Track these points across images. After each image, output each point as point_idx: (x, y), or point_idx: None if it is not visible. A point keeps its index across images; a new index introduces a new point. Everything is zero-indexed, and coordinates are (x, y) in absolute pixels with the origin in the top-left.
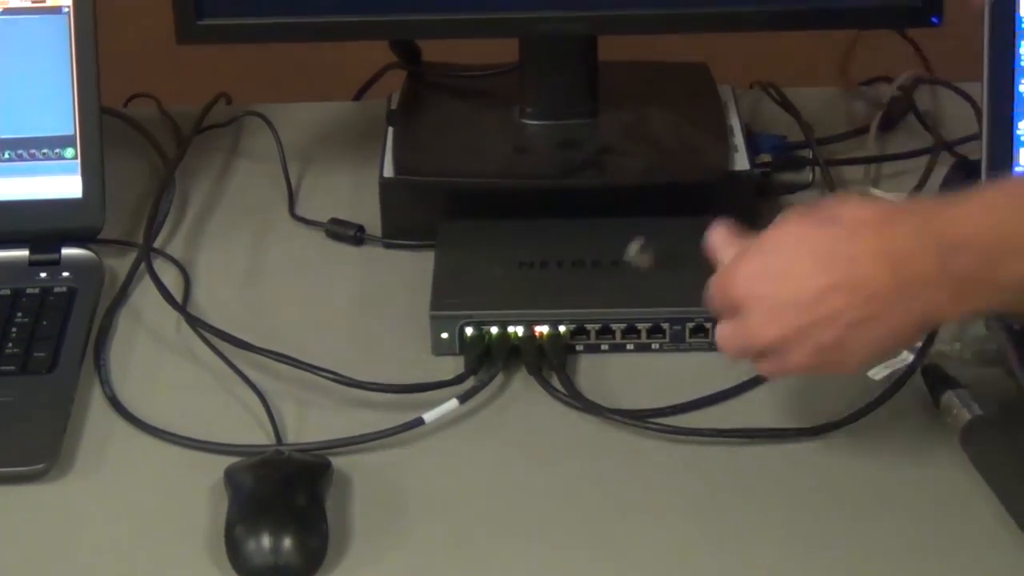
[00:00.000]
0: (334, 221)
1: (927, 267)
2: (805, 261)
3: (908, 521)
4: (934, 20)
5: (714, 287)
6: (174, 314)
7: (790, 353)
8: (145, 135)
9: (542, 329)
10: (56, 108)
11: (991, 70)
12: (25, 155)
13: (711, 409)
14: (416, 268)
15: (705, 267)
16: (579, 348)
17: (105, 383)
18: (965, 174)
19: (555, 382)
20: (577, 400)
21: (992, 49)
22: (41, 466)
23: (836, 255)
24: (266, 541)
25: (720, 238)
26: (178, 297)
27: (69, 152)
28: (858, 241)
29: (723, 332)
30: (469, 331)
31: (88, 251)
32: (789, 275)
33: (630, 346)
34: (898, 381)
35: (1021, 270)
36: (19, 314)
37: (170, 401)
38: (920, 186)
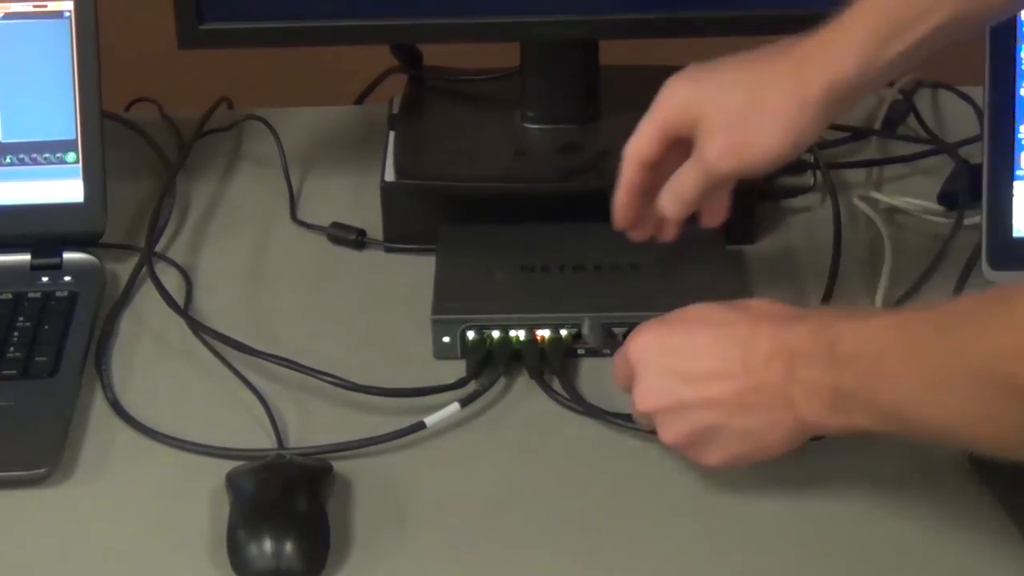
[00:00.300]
0: (335, 225)
1: (815, 372)
2: (702, 338)
3: (914, 529)
4: None
5: (619, 352)
6: (176, 318)
7: (664, 426)
8: (147, 139)
9: (543, 333)
10: (58, 112)
11: (992, 73)
12: (27, 159)
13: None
14: (417, 272)
15: (705, 270)
16: (580, 352)
17: (107, 387)
18: (966, 177)
19: (556, 386)
20: (579, 404)
21: (993, 52)
22: (43, 470)
23: (735, 339)
24: (268, 545)
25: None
26: (180, 301)
27: (71, 156)
28: (758, 331)
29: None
30: (471, 335)
31: (90, 255)
32: (684, 349)
33: None
34: None
35: (896, 398)
36: (21, 318)
37: (172, 405)
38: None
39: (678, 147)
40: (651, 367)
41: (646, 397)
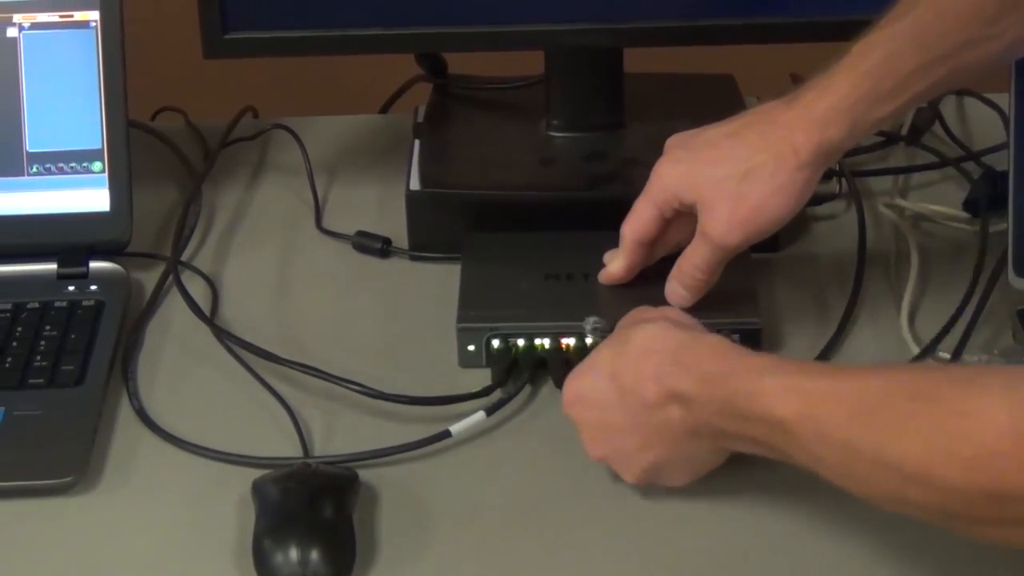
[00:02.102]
0: (361, 234)
1: (707, 414)
2: (605, 390)
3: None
4: None
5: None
6: (202, 327)
7: (620, 470)
8: (172, 148)
9: (569, 341)
10: (84, 122)
11: (1018, 80)
12: (53, 169)
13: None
14: (442, 280)
15: (727, 278)
16: None
17: (133, 396)
18: (992, 184)
19: None
20: None
21: (1019, 59)
22: (69, 479)
23: (627, 392)
24: (294, 554)
25: None
26: (206, 310)
27: (97, 166)
28: (641, 380)
29: None
30: (496, 343)
31: (116, 264)
32: (597, 402)
33: None
34: None
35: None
36: (47, 327)
37: (198, 414)
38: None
39: (674, 220)
40: (581, 422)
41: (591, 448)
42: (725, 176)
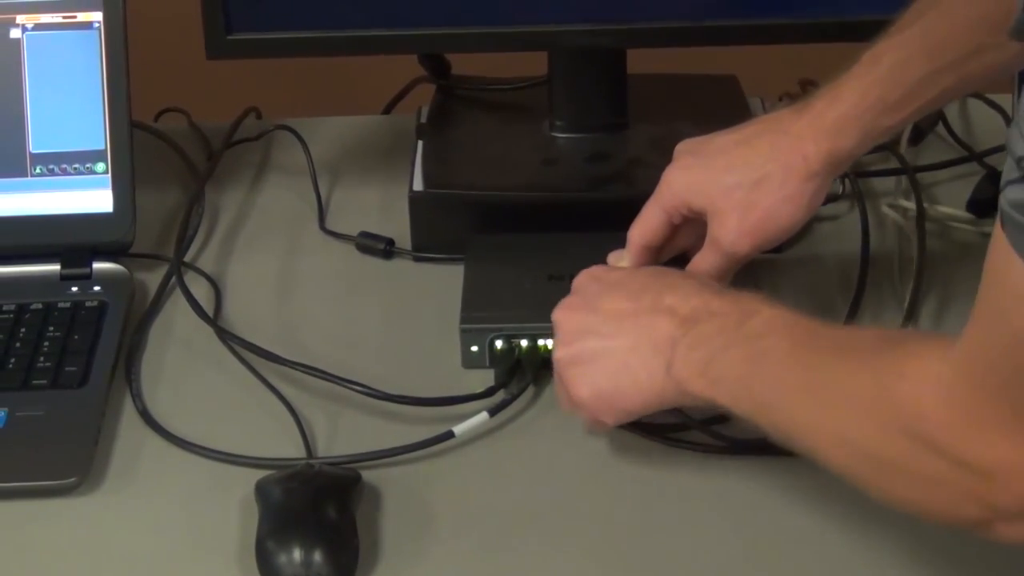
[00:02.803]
0: (364, 235)
1: (710, 333)
2: (638, 277)
3: (934, 532)
4: None
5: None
6: (205, 328)
7: (561, 342)
8: (176, 149)
9: None
10: (87, 123)
11: (1021, 81)
12: (56, 170)
13: (742, 422)
14: (446, 281)
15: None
16: None
17: (136, 397)
18: (994, 185)
19: None
20: None
21: None
22: (72, 480)
23: (656, 277)
24: (297, 554)
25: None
26: (209, 311)
27: (100, 166)
28: (683, 281)
29: None
30: (499, 344)
31: (119, 265)
32: (617, 286)
33: None
34: None
35: (771, 397)
36: (50, 328)
37: (201, 415)
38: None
39: (682, 226)
40: (582, 288)
41: (567, 313)
42: (735, 184)
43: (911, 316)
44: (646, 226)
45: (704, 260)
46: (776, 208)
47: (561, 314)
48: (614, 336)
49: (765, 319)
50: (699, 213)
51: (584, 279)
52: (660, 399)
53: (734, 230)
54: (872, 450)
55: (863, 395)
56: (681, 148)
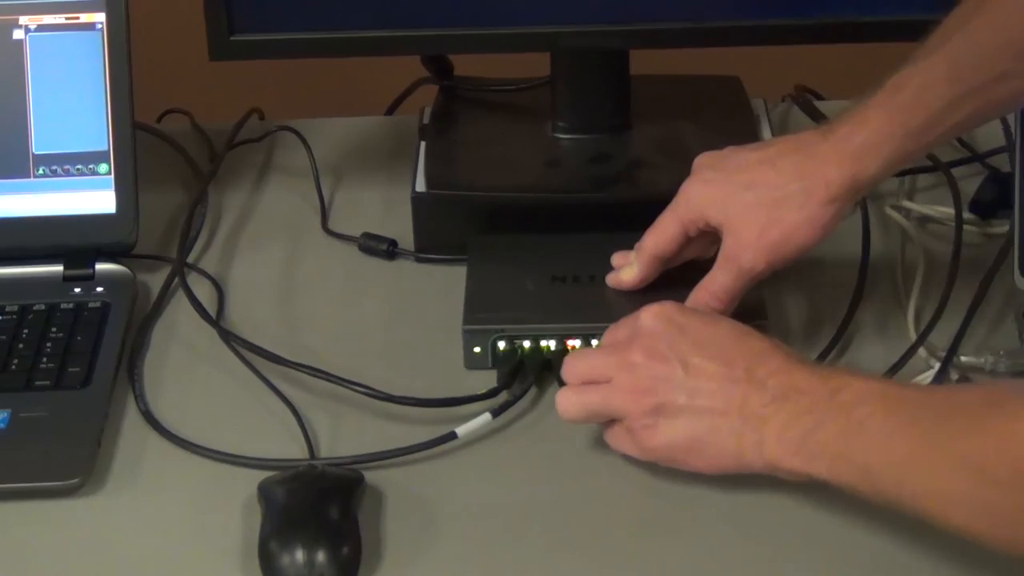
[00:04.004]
0: (367, 235)
1: (803, 408)
2: (724, 329)
3: (941, 535)
4: None
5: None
6: (208, 329)
7: (631, 377)
8: (178, 150)
9: (575, 343)
10: (90, 124)
11: None
12: (59, 171)
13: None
14: (448, 282)
15: None
16: None
17: (139, 398)
18: (997, 186)
19: None
20: None
21: None
22: (75, 481)
23: (750, 346)
24: (299, 555)
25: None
26: (211, 312)
27: (103, 168)
28: (773, 351)
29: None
30: (502, 345)
31: (122, 266)
32: (702, 334)
33: None
34: None
35: (876, 460)
36: (53, 329)
37: (204, 415)
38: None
39: (695, 239)
40: (662, 334)
41: (648, 359)
42: (756, 202)
43: (917, 320)
44: (661, 237)
45: (718, 277)
46: (795, 228)
47: (639, 356)
48: (704, 397)
49: (856, 392)
50: (715, 228)
51: (657, 322)
52: (744, 469)
53: (751, 246)
54: (993, 504)
55: (977, 456)
56: (701, 162)
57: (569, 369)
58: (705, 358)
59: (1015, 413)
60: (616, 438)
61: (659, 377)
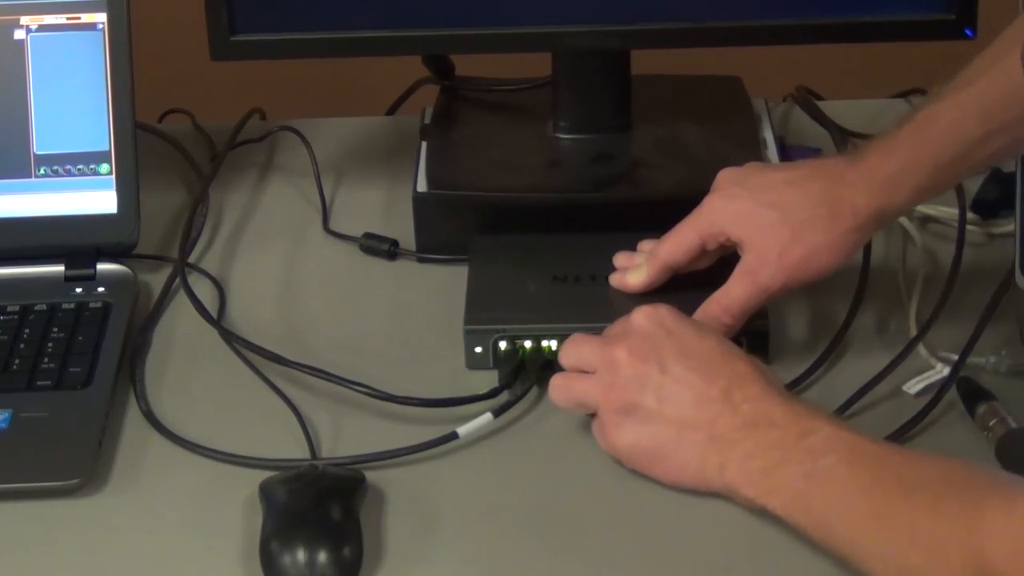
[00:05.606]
0: (368, 235)
1: (772, 442)
2: (709, 343)
3: None
4: (967, 33)
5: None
6: (209, 329)
7: (610, 376)
8: (180, 150)
9: None
10: (91, 124)
11: None
12: (60, 171)
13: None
14: (450, 282)
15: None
16: None
17: (140, 398)
18: (999, 186)
19: None
20: None
21: None
22: (76, 481)
23: (732, 369)
24: (301, 555)
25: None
26: (213, 312)
27: (104, 168)
28: (752, 376)
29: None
30: (503, 345)
31: (123, 266)
32: (685, 347)
33: None
34: (935, 396)
35: (831, 510)
36: (55, 329)
37: (205, 415)
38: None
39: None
40: (650, 335)
41: (630, 357)
42: (780, 221)
43: (919, 321)
44: (678, 247)
45: (734, 291)
46: (818, 250)
47: (622, 353)
48: (674, 405)
49: (824, 437)
50: (735, 243)
51: (647, 323)
52: (701, 487)
53: (772, 264)
54: None
55: (931, 538)
56: (725, 177)
57: (564, 354)
58: (685, 368)
59: (976, 501)
60: (595, 430)
61: (635, 376)
